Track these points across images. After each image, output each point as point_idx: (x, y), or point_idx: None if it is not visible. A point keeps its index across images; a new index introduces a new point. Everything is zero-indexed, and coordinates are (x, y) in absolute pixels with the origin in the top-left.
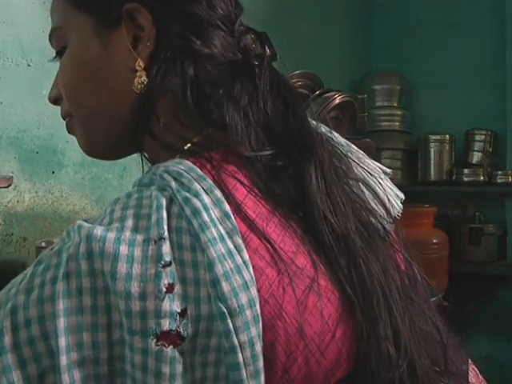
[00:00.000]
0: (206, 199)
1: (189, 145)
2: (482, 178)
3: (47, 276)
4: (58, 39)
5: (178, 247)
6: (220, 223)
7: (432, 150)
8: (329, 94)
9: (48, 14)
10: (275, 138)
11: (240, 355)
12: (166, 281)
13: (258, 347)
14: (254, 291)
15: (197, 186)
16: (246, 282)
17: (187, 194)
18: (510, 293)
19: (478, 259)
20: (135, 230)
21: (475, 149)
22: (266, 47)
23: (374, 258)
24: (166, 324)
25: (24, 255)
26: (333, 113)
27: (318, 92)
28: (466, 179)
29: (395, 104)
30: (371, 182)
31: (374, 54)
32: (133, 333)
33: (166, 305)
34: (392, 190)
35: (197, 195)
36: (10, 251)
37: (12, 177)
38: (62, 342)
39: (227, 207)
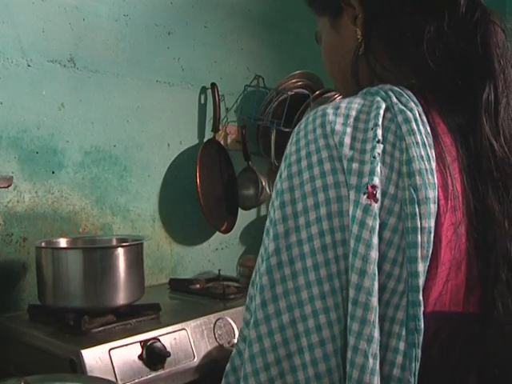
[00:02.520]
0: (418, 115)
1: (413, 81)
2: None
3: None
4: (319, 38)
5: (383, 140)
6: (424, 135)
7: None
8: (329, 94)
9: (48, 14)
10: (465, 70)
11: (419, 236)
12: (378, 150)
13: (432, 236)
14: (437, 192)
15: (412, 105)
16: (435, 183)
17: (403, 107)
18: None
19: None
20: (357, 119)
21: None
22: None
23: None
24: (377, 180)
25: (24, 255)
26: None
27: (317, 92)
28: None
29: None
30: None
31: None
32: (350, 187)
33: (378, 168)
34: None
35: (411, 110)
36: (10, 251)
37: (12, 177)
38: (311, 201)
39: (428, 129)
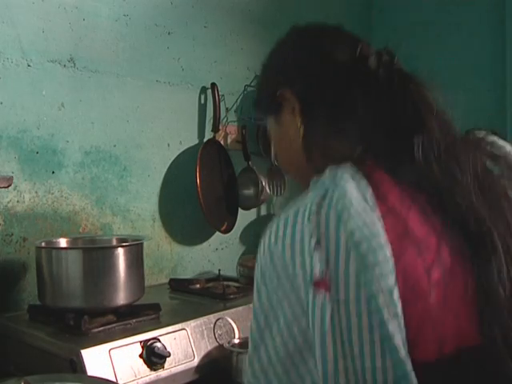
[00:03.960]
0: (353, 187)
1: (357, 151)
2: None
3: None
4: (268, 132)
5: (326, 223)
6: (360, 202)
7: None
8: None
9: (48, 14)
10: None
11: (381, 299)
12: (312, 242)
13: (396, 293)
14: (388, 251)
15: (348, 183)
16: (382, 245)
17: (339, 189)
18: None
19: None
20: (293, 228)
21: None
22: (383, 56)
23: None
24: (317, 271)
25: (24, 255)
26: None
27: None
28: None
29: None
30: None
31: None
32: (301, 286)
33: (317, 259)
34: None
35: (345, 188)
36: (10, 251)
37: (12, 177)
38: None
39: (370, 192)
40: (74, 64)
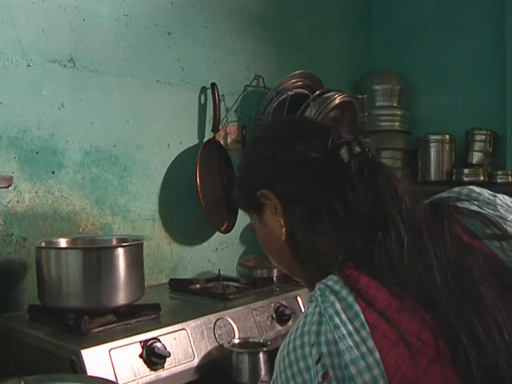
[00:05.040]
0: (339, 306)
1: (339, 256)
2: (481, 177)
3: None
4: (252, 226)
5: (325, 344)
6: (350, 322)
7: (432, 150)
8: (329, 94)
9: (48, 13)
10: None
11: None
12: (320, 373)
13: None
14: (377, 371)
15: (333, 299)
16: (370, 365)
17: (328, 303)
18: None
19: None
20: (300, 347)
21: (475, 149)
22: (354, 148)
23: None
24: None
25: (24, 255)
26: (333, 113)
27: (318, 92)
28: (466, 179)
29: (395, 104)
30: None
31: (374, 54)
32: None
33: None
34: None
35: (332, 305)
36: (10, 251)
37: (12, 177)
38: None
39: (357, 307)
40: (74, 64)
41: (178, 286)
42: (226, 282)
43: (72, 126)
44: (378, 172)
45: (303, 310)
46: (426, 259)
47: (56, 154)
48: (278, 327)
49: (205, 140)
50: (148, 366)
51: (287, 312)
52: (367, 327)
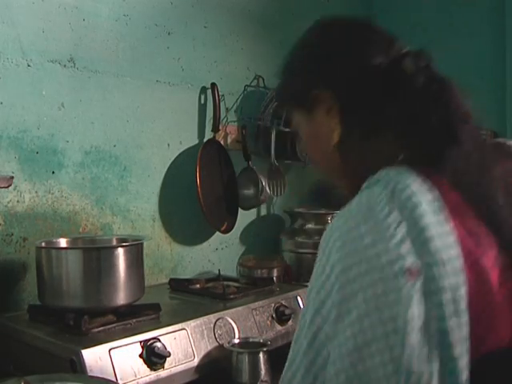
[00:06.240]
0: (418, 187)
1: (399, 157)
2: None
3: None
4: (297, 131)
5: (409, 215)
6: (429, 204)
7: None
8: None
9: (48, 14)
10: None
11: (444, 295)
12: (403, 230)
13: (463, 290)
14: (455, 251)
15: (409, 181)
16: (452, 242)
17: (402, 186)
18: None
19: None
20: (372, 211)
21: None
22: (419, 61)
23: None
24: (409, 261)
25: (24, 255)
26: None
27: None
28: None
29: None
30: None
31: None
32: (390, 276)
33: (405, 248)
34: None
35: (409, 186)
36: (10, 251)
37: (12, 177)
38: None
39: (435, 194)
40: (74, 64)
41: (177, 285)
42: (225, 282)
43: (72, 126)
44: (446, 87)
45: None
46: (489, 179)
47: (56, 154)
48: (278, 327)
49: (205, 140)
50: (148, 366)
51: (287, 312)
52: (444, 211)
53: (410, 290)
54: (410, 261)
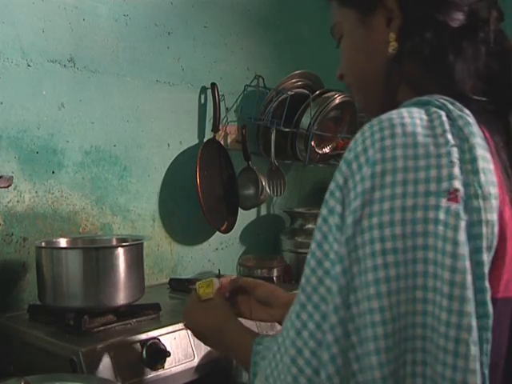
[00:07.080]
0: (472, 121)
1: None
2: None
3: None
4: (337, 32)
5: (464, 140)
6: (480, 138)
7: None
8: (329, 94)
9: (48, 14)
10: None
11: (484, 229)
12: (455, 154)
13: (495, 229)
14: (495, 191)
15: (466, 111)
16: (494, 181)
17: (460, 113)
18: None
19: None
20: (424, 127)
21: None
22: (493, 11)
23: None
24: (457, 183)
25: (24, 255)
26: (333, 113)
27: (317, 92)
28: None
29: None
30: None
31: None
32: (430, 194)
33: (456, 171)
34: None
35: (467, 115)
36: (10, 251)
37: (12, 177)
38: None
39: (482, 135)
40: (74, 64)
41: (177, 285)
42: None
43: (72, 125)
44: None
45: None
46: None
47: (56, 153)
48: (278, 327)
49: (205, 140)
50: (148, 366)
51: None
52: (489, 149)
53: (457, 211)
54: (458, 184)
